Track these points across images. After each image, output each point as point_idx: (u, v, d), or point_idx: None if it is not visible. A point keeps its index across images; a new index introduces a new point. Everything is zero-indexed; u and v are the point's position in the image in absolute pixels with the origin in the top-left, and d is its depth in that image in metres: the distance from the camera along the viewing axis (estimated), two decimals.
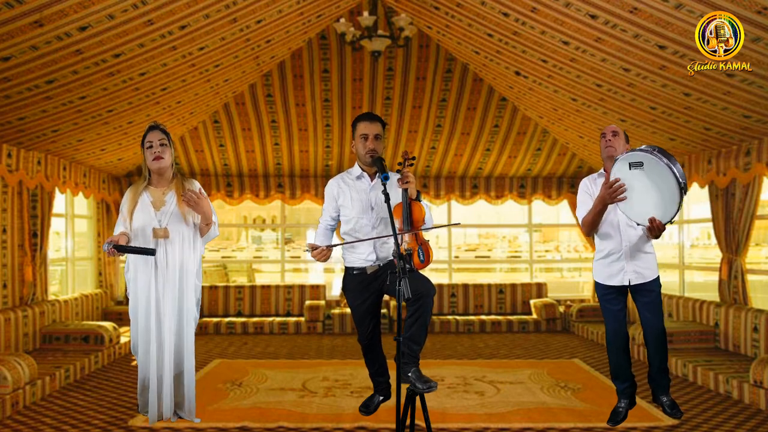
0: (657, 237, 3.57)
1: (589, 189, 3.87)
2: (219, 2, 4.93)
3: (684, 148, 6.70)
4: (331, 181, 3.67)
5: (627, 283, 3.77)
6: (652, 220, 3.45)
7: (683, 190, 3.35)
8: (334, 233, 3.79)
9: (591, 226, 3.78)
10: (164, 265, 3.79)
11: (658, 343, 3.82)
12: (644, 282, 3.76)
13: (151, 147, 3.80)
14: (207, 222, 3.85)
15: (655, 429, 4.37)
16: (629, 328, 6.29)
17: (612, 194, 3.48)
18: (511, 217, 12.05)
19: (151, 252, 3.65)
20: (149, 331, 3.81)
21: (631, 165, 3.43)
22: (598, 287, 3.92)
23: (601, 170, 3.89)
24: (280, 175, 9.16)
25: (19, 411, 4.81)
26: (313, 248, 3.38)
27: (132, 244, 3.79)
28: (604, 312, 3.92)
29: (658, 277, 3.83)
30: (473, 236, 18.23)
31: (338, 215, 3.67)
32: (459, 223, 3.50)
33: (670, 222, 3.45)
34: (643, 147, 3.42)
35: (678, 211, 3.40)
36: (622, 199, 3.49)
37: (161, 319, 3.81)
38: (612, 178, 3.51)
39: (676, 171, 3.32)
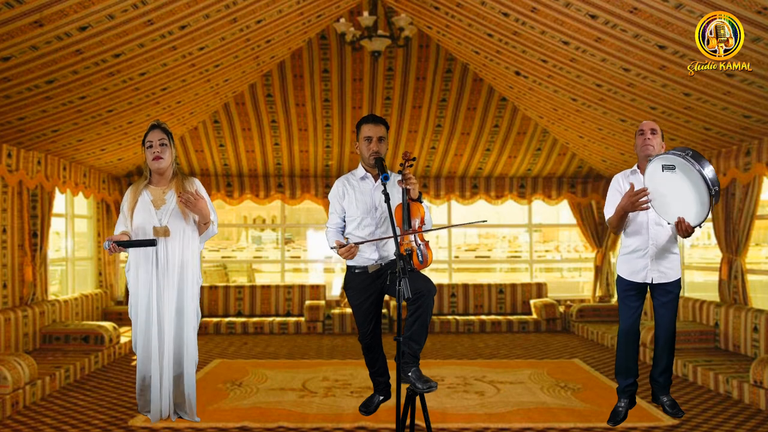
0: (687, 236, 3.60)
1: (621, 186, 3.85)
2: (219, 2, 4.93)
3: None
4: (336, 183, 3.70)
5: (649, 281, 3.78)
6: (680, 221, 3.49)
7: (714, 196, 3.38)
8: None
9: (616, 228, 3.82)
10: (165, 263, 3.79)
11: (667, 344, 3.83)
12: (666, 282, 3.78)
13: (151, 146, 3.81)
14: (205, 221, 3.87)
15: (655, 429, 4.37)
16: None
17: (634, 203, 3.53)
18: (511, 217, 12.04)
19: (151, 243, 3.65)
20: (150, 329, 3.82)
21: (664, 167, 3.50)
22: (620, 282, 3.92)
23: (635, 167, 3.88)
24: (280, 175, 9.16)
25: (19, 411, 4.81)
26: (340, 246, 3.38)
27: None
28: (621, 307, 3.92)
29: (680, 279, 3.85)
30: (473, 236, 18.22)
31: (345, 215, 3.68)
32: (485, 221, 3.47)
33: (699, 225, 3.48)
34: (676, 149, 3.47)
35: (707, 215, 3.44)
36: (645, 209, 3.55)
37: (162, 318, 3.81)
38: (646, 178, 3.56)
39: (707, 176, 3.35)
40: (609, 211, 3.84)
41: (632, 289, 3.85)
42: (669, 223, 3.64)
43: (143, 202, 3.83)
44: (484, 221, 3.35)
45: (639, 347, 3.97)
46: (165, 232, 3.78)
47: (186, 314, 3.88)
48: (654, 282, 3.78)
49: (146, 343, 3.84)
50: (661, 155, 3.51)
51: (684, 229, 3.49)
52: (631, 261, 3.84)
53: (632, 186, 3.57)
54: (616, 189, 3.86)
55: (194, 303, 3.92)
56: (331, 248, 3.49)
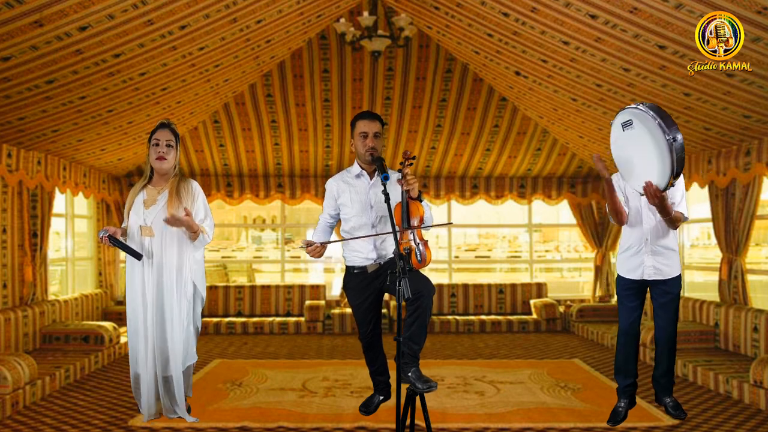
0: (656, 203, 3.37)
1: (614, 127, 3.57)
2: (219, 2, 4.93)
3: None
4: (330, 180, 3.69)
5: (646, 278, 3.74)
6: (647, 186, 3.30)
7: (673, 146, 3.10)
8: (333, 231, 3.81)
9: (614, 213, 3.71)
10: (149, 263, 3.81)
11: (667, 346, 3.81)
12: (663, 279, 3.73)
13: (157, 145, 3.83)
14: (193, 231, 3.78)
15: (655, 429, 4.37)
16: None
17: (600, 167, 3.53)
18: (511, 217, 12.03)
19: (137, 256, 3.69)
20: (137, 330, 3.85)
21: (623, 126, 3.29)
22: (619, 281, 3.89)
23: None
24: (280, 175, 9.16)
25: (19, 411, 4.81)
26: (308, 245, 3.42)
27: (128, 242, 3.83)
28: (620, 307, 3.89)
29: (680, 276, 3.77)
30: (473, 236, 18.21)
31: (338, 213, 3.69)
32: (452, 223, 3.50)
33: (669, 186, 3.25)
34: (635, 104, 3.27)
35: (673, 172, 3.15)
36: (604, 168, 3.48)
37: (146, 319, 3.84)
38: (611, 144, 3.44)
39: (663, 125, 3.10)
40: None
41: (630, 288, 3.83)
42: (641, 194, 3.47)
43: (137, 202, 3.86)
44: (450, 223, 3.41)
45: (638, 347, 3.96)
46: (149, 232, 3.80)
47: (170, 316, 3.85)
48: (650, 279, 3.75)
49: (134, 342, 3.88)
50: (619, 112, 3.33)
51: (653, 194, 3.29)
52: (628, 258, 3.82)
53: (598, 156, 3.55)
54: (617, 186, 3.84)
55: (183, 305, 3.88)
56: (299, 247, 3.54)
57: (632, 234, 3.80)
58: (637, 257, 3.77)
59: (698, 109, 5.46)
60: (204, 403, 4.92)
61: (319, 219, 3.74)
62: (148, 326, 3.83)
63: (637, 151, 3.31)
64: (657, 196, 3.33)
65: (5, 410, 4.66)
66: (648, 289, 3.84)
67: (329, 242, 3.55)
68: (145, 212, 3.83)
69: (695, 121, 5.80)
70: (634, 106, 3.26)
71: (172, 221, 3.67)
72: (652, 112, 3.15)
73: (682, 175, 3.62)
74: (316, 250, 3.44)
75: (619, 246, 3.98)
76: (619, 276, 3.92)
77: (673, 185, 3.28)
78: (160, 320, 3.85)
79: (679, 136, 3.12)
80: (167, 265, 3.83)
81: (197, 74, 6.23)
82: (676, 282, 3.77)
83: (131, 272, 3.88)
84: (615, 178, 3.85)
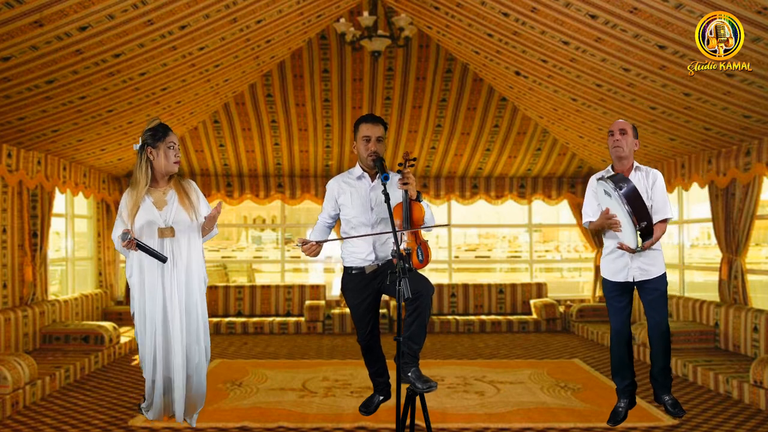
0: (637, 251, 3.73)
1: (597, 188, 3.85)
2: (219, 2, 4.93)
3: (684, 148, 6.70)
4: (332, 181, 3.70)
5: (632, 280, 3.77)
6: (621, 245, 3.66)
7: (631, 217, 3.45)
8: (332, 231, 3.82)
9: (594, 232, 3.88)
10: (171, 263, 3.76)
11: (661, 342, 3.81)
12: (649, 279, 3.75)
13: (173, 148, 3.83)
14: (212, 227, 3.89)
15: (655, 429, 4.38)
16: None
17: (609, 225, 3.70)
18: (511, 217, 12.04)
19: (163, 259, 3.64)
20: (155, 332, 3.79)
21: (605, 192, 3.63)
22: (605, 283, 3.91)
23: (609, 168, 3.88)
24: (280, 175, 9.16)
25: (19, 411, 4.82)
26: (303, 243, 3.42)
27: None
28: (608, 308, 3.92)
29: (665, 274, 3.80)
30: (473, 236, 18.22)
31: (337, 214, 3.69)
32: (449, 224, 3.51)
33: (640, 248, 3.56)
34: (605, 174, 3.61)
35: (636, 238, 3.52)
36: (618, 230, 3.68)
37: (168, 320, 3.79)
38: (600, 201, 3.72)
39: (630, 213, 3.47)
40: (587, 212, 3.90)
41: (617, 290, 3.84)
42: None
43: (145, 204, 3.80)
44: (447, 224, 3.50)
45: (632, 347, 3.96)
46: (170, 233, 3.76)
47: (194, 314, 3.87)
48: (636, 280, 3.76)
49: (153, 347, 3.80)
50: (601, 181, 3.64)
51: (627, 250, 3.64)
52: (612, 261, 3.83)
53: (607, 210, 3.68)
54: (593, 190, 3.87)
55: (202, 302, 3.90)
56: (295, 246, 3.53)
57: (615, 238, 3.80)
58: (621, 260, 3.78)
59: (698, 109, 5.46)
60: (204, 403, 4.91)
61: (317, 219, 3.75)
62: (173, 329, 3.78)
63: (619, 211, 3.61)
64: (633, 252, 3.66)
65: (5, 410, 4.66)
66: (635, 288, 3.85)
67: (325, 241, 3.55)
68: (161, 214, 3.79)
69: (695, 121, 5.80)
70: (608, 187, 3.57)
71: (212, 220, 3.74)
72: (624, 199, 3.50)
73: (661, 176, 3.81)
74: (312, 248, 3.44)
75: (603, 247, 3.99)
76: (604, 279, 3.92)
77: (644, 246, 3.63)
78: (188, 320, 3.84)
79: (630, 197, 3.50)
80: (191, 264, 3.81)
81: (197, 74, 6.23)
82: (663, 279, 3.80)
83: (145, 273, 3.78)
84: (591, 183, 3.90)
